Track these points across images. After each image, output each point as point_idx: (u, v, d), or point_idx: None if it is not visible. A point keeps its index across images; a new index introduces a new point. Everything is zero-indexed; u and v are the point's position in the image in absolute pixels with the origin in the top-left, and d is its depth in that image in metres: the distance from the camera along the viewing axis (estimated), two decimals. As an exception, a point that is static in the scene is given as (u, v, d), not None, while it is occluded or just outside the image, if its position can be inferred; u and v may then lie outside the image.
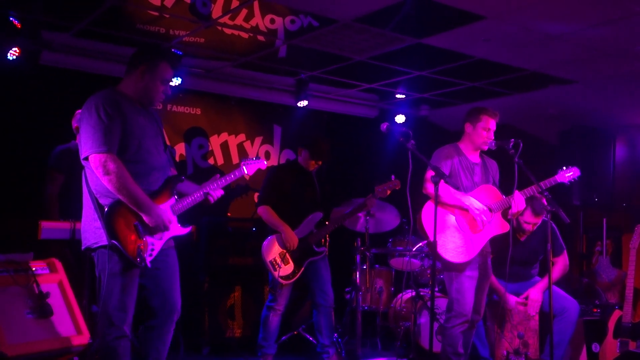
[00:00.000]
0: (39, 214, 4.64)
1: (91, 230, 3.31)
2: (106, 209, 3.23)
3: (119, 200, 3.23)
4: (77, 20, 5.01)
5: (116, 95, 3.39)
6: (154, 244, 3.36)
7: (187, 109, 6.56)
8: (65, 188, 4.77)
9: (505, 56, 5.44)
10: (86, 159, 3.27)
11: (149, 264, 3.32)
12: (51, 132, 5.20)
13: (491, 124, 4.52)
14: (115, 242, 3.21)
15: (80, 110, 4.86)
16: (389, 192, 5.02)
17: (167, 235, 3.43)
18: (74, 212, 4.37)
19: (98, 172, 3.22)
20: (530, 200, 4.87)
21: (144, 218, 3.30)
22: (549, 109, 6.81)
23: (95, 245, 3.30)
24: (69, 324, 3.88)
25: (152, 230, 3.33)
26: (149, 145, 3.42)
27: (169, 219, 3.39)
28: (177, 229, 3.47)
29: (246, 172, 3.92)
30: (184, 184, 3.62)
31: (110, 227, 3.22)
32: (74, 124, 4.89)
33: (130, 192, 3.22)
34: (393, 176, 5.03)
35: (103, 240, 3.24)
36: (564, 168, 4.57)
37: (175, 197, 3.48)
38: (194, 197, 3.56)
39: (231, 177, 3.73)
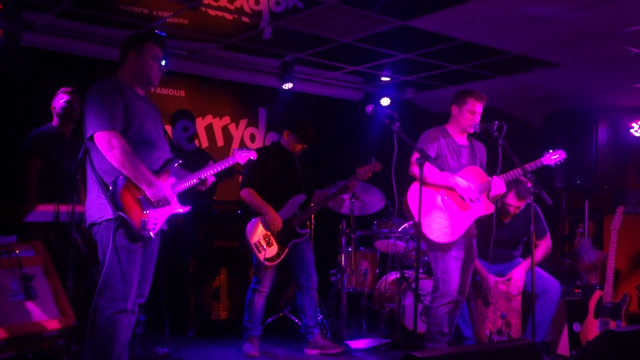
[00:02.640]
0: (20, 198, 4.61)
1: (95, 207, 3.45)
2: (112, 185, 3.39)
3: (123, 175, 3.39)
4: (59, 1, 4.93)
5: (118, 82, 3.56)
6: (157, 219, 3.51)
7: (171, 91, 6.51)
8: (44, 171, 4.72)
9: (489, 39, 5.44)
10: (91, 138, 3.42)
11: (153, 236, 3.48)
12: (33, 115, 5.14)
13: (477, 107, 4.54)
14: (122, 214, 3.35)
15: (61, 90, 4.84)
16: (370, 174, 5.06)
17: (168, 211, 3.57)
18: (56, 195, 4.35)
19: (103, 148, 3.37)
20: (515, 184, 4.91)
21: (146, 192, 3.45)
22: (533, 92, 6.84)
23: (100, 220, 3.43)
24: (54, 306, 3.87)
25: (154, 205, 3.47)
26: (150, 127, 3.60)
27: (171, 195, 3.55)
28: (178, 207, 3.63)
29: (238, 161, 4.05)
30: (176, 169, 3.72)
31: (116, 201, 3.37)
32: (52, 104, 4.84)
33: (133, 166, 3.38)
34: (374, 158, 5.07)
35: (108, 214, 3.39)
36: (550, 151, 4.57)
37: (175, 177, 3.64)
38: (191, 180, 3.70)
39: (224, 165, 3.87)
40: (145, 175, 3.42)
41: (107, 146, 3.35)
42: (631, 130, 6.86)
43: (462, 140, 4.65)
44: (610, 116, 6.93)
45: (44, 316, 3.79)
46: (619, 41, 5.24)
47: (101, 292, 3.40)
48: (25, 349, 3.71)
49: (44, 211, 4.24)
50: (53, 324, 3.79)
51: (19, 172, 4.75)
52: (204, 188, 3.79)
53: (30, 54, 5.44)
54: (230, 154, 4.06)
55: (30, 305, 3.77)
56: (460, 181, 4.41)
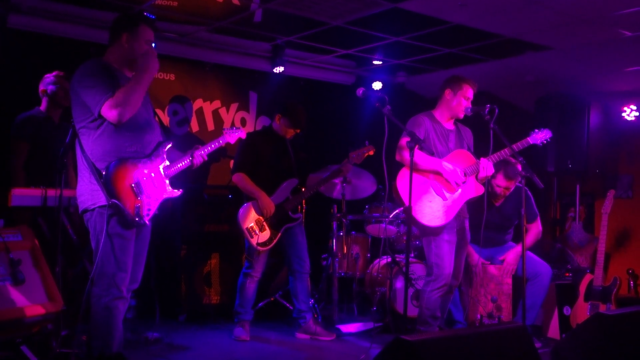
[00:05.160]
0: (8, 183, 4.56)
1: (87, 193, 3.40)
2: (105, 171, 3.33)
3: (116, 162, 3.34)
4: (45, -18, 4.87)
5: (106, 64, 3.50)
6: (150, 204, 3.48)
7: (160, 75, 6.43)
8: (32, 156, 4.66)
9: (482, 22, 5.41)
10: (100, 115, 3.33)
11: (147, 222, 3.46)
12: (20, 99, 5.08)
13: (470, 93, 4.55)
14: (116, 201, 3.31)
15: (49, 75, 4.76)
16: (363, 157, 5.03)
17: (161, 196, 3.55)
18: (45, 179, 4.31)
19: (113, 113, 3.29)
20: (504, 164, 4.91)
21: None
22: (525, 76, 6.82)
23: (93, 206, 3.38)
24: (42, 291, 3.83)
25: (147, 192, 3.45)
26: (141, 110, 3.52)
27: (162, 178, 3.54)
28: (170, 191, 3.61)
29: (228, 140, 4.03)
30: (168, 151, 3.68)
31: (110, 187, 3.32)
32: (41, 87, 4.77)
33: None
34: (367, 141, 5.04)
35: (101, 201, 3.34)
36: (536, 130, 4.61)
37: (167, 160, 3.60)
38: (183, 162, 3.68)
39: (215, 145, 3.86)
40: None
41: (117, 111, 3.27)
42: (623, 114, 6.86)
43: (449, 125, 4.65)
44: (603, 100, 6.93)
45: (32, 301, 3.76)
46: (611, 24, 5.22)
47: (96, 280, 3.37)
48: (13, 334, 3.68)
49: (32, 195, 4.19)
50: (41, 309, 3.76)
51: (7, 157, 4.70)
52: (197, 164, 3.75)
53: (17, 36, 5.35)
54: (223, 135, 4.03)
55: (17, 290, 3.73)
56: (446, 165, 4.41)
